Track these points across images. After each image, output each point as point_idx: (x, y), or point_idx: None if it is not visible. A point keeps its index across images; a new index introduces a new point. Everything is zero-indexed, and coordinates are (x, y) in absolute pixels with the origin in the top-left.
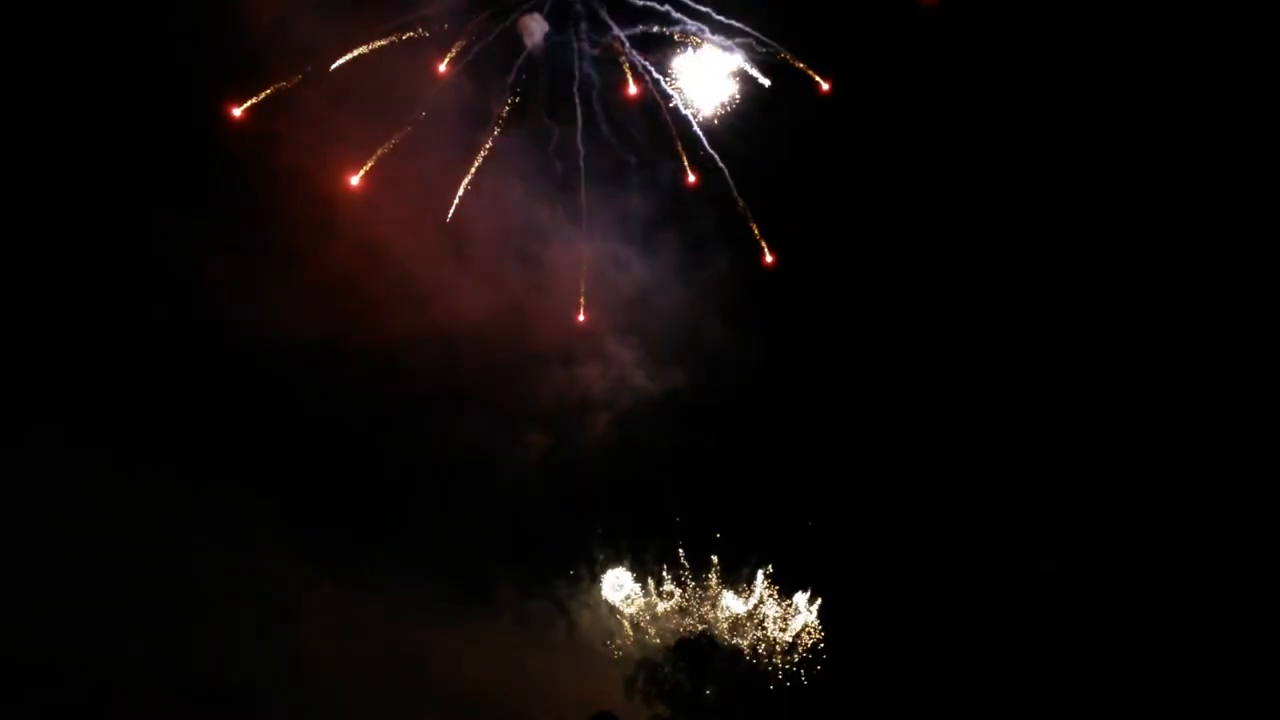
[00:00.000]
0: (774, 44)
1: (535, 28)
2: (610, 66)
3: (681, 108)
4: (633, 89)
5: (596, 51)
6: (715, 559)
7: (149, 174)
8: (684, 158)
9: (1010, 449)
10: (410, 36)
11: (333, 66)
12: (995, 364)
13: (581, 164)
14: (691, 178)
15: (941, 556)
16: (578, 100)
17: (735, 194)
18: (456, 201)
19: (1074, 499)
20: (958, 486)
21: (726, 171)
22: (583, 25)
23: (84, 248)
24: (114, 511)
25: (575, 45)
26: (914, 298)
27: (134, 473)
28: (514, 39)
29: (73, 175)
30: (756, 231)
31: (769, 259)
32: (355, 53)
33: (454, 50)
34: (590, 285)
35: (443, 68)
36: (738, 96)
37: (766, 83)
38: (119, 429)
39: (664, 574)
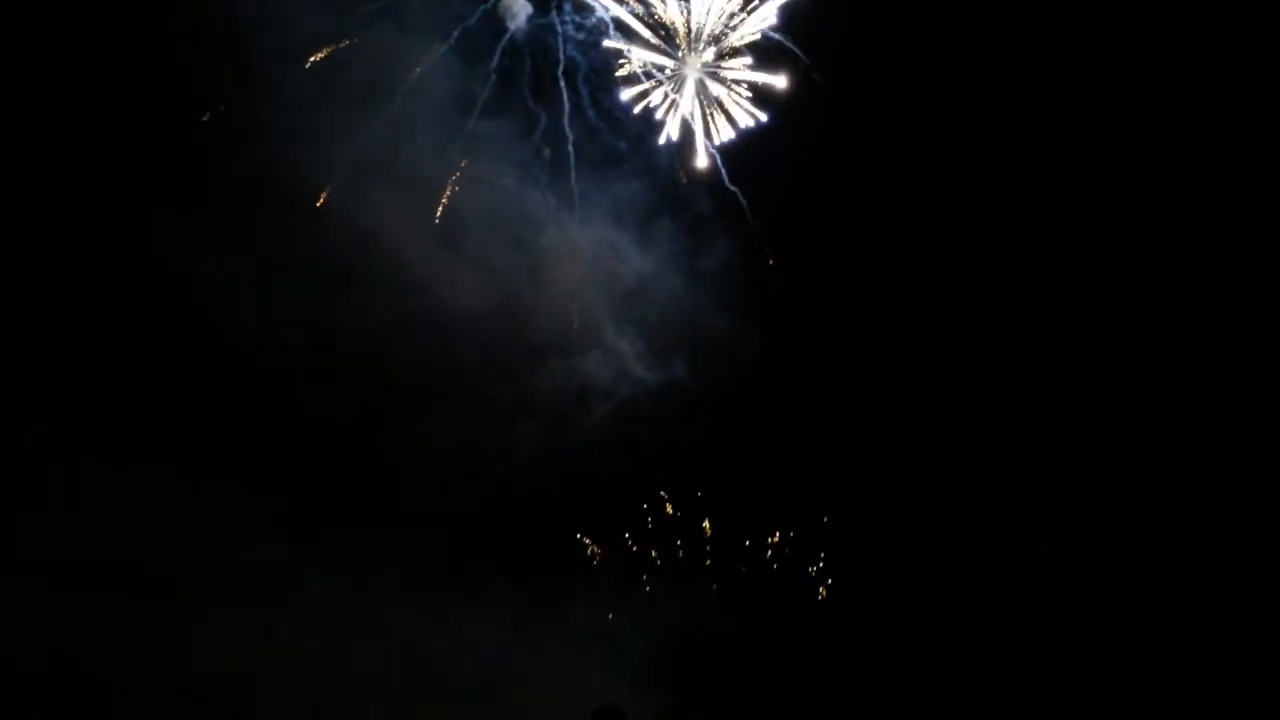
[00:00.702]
0: (768, 32)
1: (518, 9)
2: (596, 50)
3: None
4: (623, 95)
5: (581, 35)
6: (710, 551)
7: (149, 174)
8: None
9: (1008, 440)
10: (392, 19)
11: (313, 59)
12: (994, 355)
13: (570, 150)
14: (684, 178)
15: (937, 548)
16: (563, 85)
17: (727, 182)
18: (445, 191)
19: (1072, 488)
20: (954, 477)
21: (719, 158)
22: (566, 6)
23: (84, 248)
24: (112, 510)
25: (559, 28)
26: (913, 289)
27: (131, 471)
28: (496, 20)
29: (73, 175)
30: (748, 218)
31: (770, 260)
32: (339, 44)
33: (434, 44)
34: (582, 277)
35: (414, 76)
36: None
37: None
38: (116, 428)
39: (659, 563)
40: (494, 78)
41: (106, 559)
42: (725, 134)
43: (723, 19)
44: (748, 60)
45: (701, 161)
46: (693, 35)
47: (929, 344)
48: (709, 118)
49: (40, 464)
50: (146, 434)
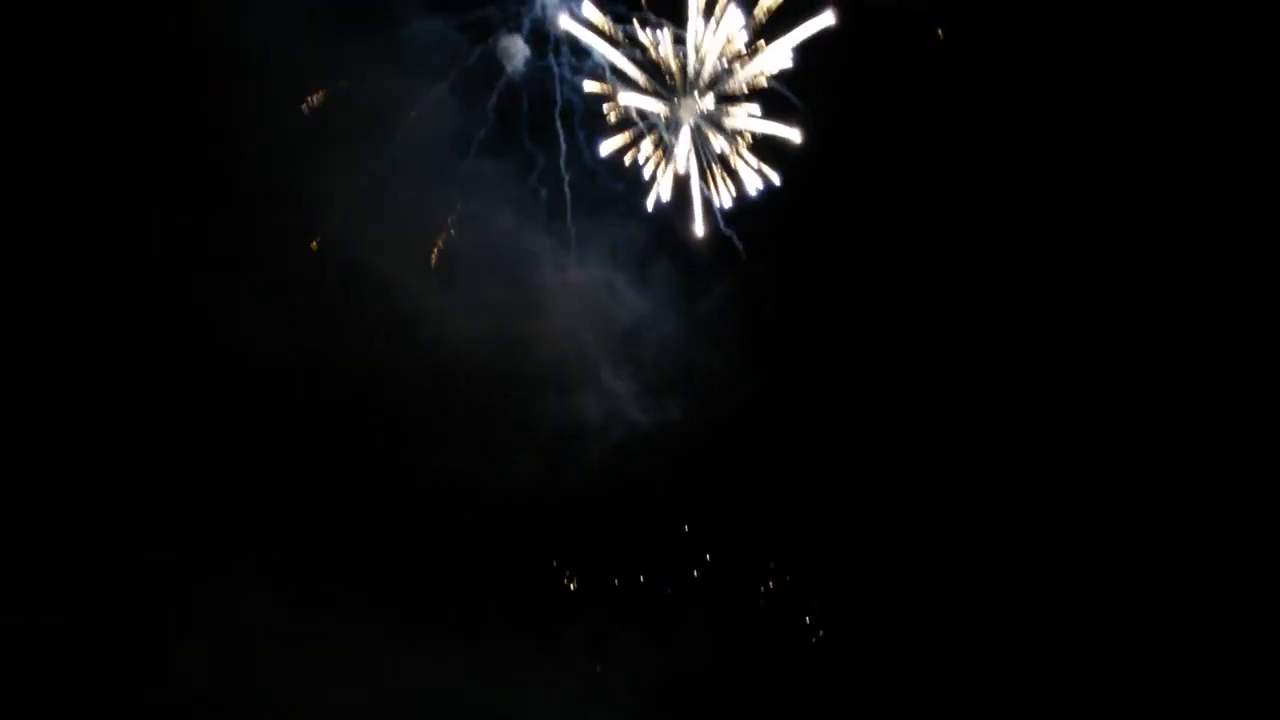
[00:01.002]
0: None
1: (515, 51)
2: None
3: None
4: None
5: (579, 78)
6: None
7: (149, 174)
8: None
9: (1007, 473)
10: (391, 60)
11: (313, 97)
12: (994, 386)
13: (567, 190)
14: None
15: (936, 580)
16: (560, 127)
17: (723, 226)
18: (443, 229)
19: (1072, 509)
20: (954, 509)
21: (715, 202)
22: (564, 49)
23: (82, 250)
24: (98, 534)
25: (556, 70)
26: (911, 322)
27: (120, 494)
28: (494, 62)
29: (73, 175)
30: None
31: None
32: (339, 84)
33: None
34: (579, 316)
35: (413, 114)
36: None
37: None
38: (104, 449)
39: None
40: (492, 118)
41: (90, 584)
42: (727, 197)
43: (723, 60)
44: (753, 109)
45: (698, 225)
46: (690, 79)
47: (928, 378)
48: (708, 172)
49: (30, 478)
50: (134, 455)
